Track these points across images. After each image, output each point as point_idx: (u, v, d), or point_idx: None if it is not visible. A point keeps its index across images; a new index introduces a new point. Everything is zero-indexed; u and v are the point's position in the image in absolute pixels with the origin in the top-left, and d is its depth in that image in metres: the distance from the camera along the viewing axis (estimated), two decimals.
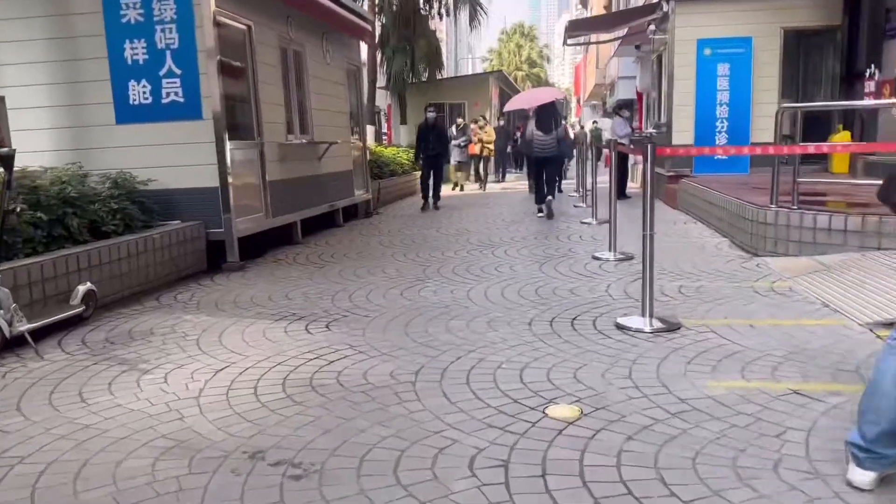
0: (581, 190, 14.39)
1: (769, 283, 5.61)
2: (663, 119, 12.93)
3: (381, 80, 22.60)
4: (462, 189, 16.91)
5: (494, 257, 7.50)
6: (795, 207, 6.51)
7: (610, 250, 7.33)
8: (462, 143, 16.41)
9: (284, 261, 7.54)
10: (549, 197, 11.40)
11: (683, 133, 12.27)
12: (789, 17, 11.75)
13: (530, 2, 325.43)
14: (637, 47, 15.81)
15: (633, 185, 15.05)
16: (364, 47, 13.54)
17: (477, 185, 17.56)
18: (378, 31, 22.10)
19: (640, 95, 35.66)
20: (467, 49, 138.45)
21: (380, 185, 13.50)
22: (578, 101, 62.54)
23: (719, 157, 12.14)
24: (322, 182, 9.80)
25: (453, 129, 17.28)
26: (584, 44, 30.69)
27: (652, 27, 12.40)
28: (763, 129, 11.99)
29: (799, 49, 12.85)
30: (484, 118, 17.48)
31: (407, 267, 7.00)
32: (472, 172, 17.75)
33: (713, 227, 8.75)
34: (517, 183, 18.93)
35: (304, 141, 9.23)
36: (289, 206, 8.65)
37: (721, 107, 12.04)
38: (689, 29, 12.04)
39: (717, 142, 12.10)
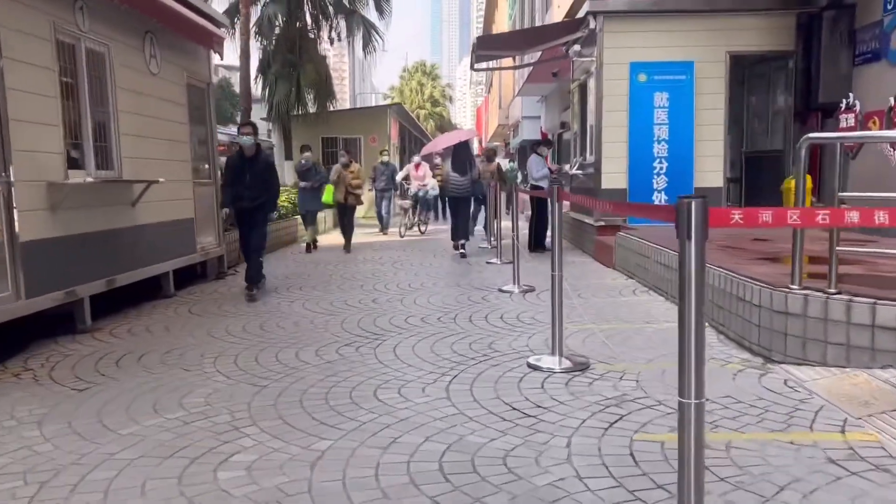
0: (489, 236, 12.10)
1: (840, 436, 3.26)
2: (590, 157, 10.83)
3: (263, 111, 19.79)
4: (314, 247, 11.90)
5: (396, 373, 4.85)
6: (834, 291, 4.25)
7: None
8: (314, 185, 11.69)
9: (23, 375, 4.62)
10: (462, 241, 11.11)
11: (615, 175, 10.16)
12: (735, 39, 9.95)
13: (431, 46, 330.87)
14: (554, 75, 13.82)
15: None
16: (238, 65, 10.68)
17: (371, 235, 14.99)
18: (258, 55, 19.39)
19: (544, 136, 34.53)
20: (370, 87, 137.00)
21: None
22: (480, 143, 61.48)
23: (657, 203, 10.09)
24: (137, 236, 6.91)
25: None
26: (494, 69, 28.93)
27: (576, 48, 10.31)
28: (709, 170, 10.06)
29: (744, 78, 11.11)
30: (346, 153, 12.32)
31: (235, 393, 4.24)
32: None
33: (673, 297, 6.49)
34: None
35: (102, 179, 6.35)
36: (68, 277, 5.72)
37: (659, 144, 10.02)
38: (620, 51, 10.02)
39: (655, 185, 10.05)
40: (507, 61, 24.91)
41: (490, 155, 15.46)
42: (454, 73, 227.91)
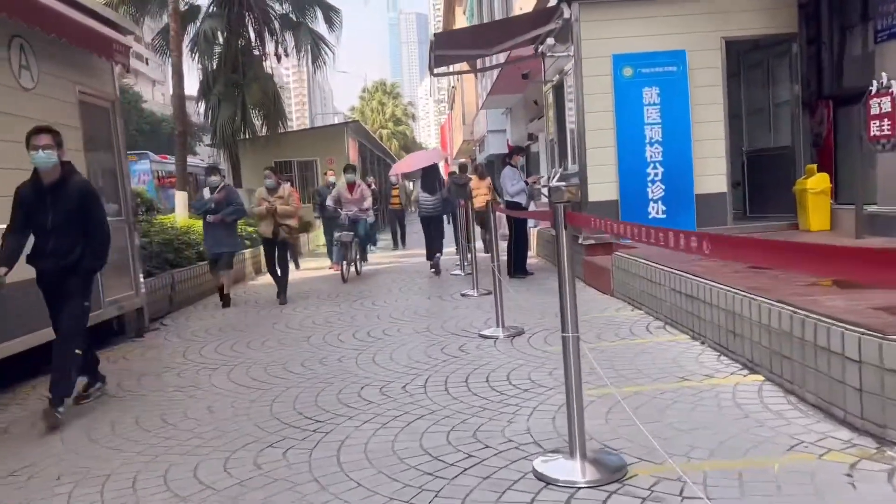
0: (462, 261, 10.69)
1: None
2: (572, 167, 9.44)
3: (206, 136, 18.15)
4: (225, 302, 8.94)
5: None
6: None
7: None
8: (225, 218, 8.61)
9: None
10: (438, 255, 11.30)
11: (603, 186, 8.78)
12: (731, 23, 8.67)
13: (392, 67, 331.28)
14: (524, 76, 12.46)
15: (532, 258, 11.47)
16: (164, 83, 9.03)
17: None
18: (199, 76, 17.79)
19: (511, 149, 33.32)
20: (332, 110, 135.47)
21: (174, 280, 9.03)
22: (446, 161, 60.22)
23: (654, 216, 8.73)
24: (5, 299, 5.27)
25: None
26: (456, 73, 27.64)
27: (549, 41, 8.94)
28: (711, 174, 8.72)
29: (739, 68, 9.84)
30: (273, 173, 9.31)
31: None
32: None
33: (704, 338, 5.05)
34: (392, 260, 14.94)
35: None
36: None
37: (652, 147, 8.67)
38: (600, 42, 8.68)
39: (651, 194, 8.68)
40: (471, 65, 23.69)
41: (481, 171, 13.42)
42: (416, 92, 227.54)
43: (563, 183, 9.59)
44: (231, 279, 9.30)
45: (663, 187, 8.65)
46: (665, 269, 5.87)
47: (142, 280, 7.60)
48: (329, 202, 10.75)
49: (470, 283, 9.07)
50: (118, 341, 7.15)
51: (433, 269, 11.06)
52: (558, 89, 10.24)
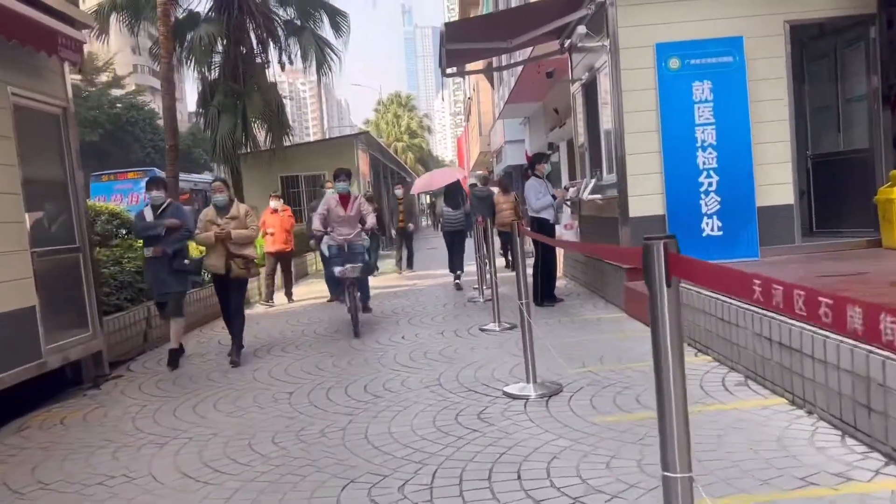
0: (480, 286, 9.41)
1: None
2: (608, 176, 8.11)
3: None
4: (174, 360, 6.76)
5: None
6: None
7: None
8: (167, 250, 6.62)
9: None
10: (458, 272, 11.23)
11: (647, 198, 7.44)
12: (796, 4, 7.33)
13: (408, 81, 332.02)
14: (549, 75, 11.18)
15: (558, 279, 10.12)
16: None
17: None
18: (198, 87, 16.70)
19: (529, 159, 32.04)
20: (349, 124, 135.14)
21: (149, 313, 7.81)
22: (465, 176, 59.03)
23: (708, 233, 7.37)
24: None
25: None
26: (470, 73, 26.46)
27: (580, 29, 7.64)
28: (775, 182, 7.36)
29: (801, 59, 8.47)
30: (223, 186, 6.91)
31: None
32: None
33: (813, 406, 3.68)
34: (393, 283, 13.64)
35: None
36: None
37: (705, 151, 7.32)
38: (641, 30, 7.38)
39: (704, 207, 7.33)
40: (487, 64, 22.48)
41: (506, 184, 13.03)
42: (433, 105, 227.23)
43: (598, 196, 8.25)
44: (181, 329, 6.82)
45: (719, 199, 7.29)
46: (747, 308, 4.52)
47: (98, 318, 6.36)
48: (315, 223, 7.87)
49: (490, 312, 7.75)
50: (68, 394, 5.93)
51: (455, 286, 11.05)
52: (589, 88, 8.93)
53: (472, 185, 15.14)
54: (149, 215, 6.65)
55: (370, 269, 9.13)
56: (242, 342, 6.76)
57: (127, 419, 4.93)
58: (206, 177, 32.87)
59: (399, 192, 14.51)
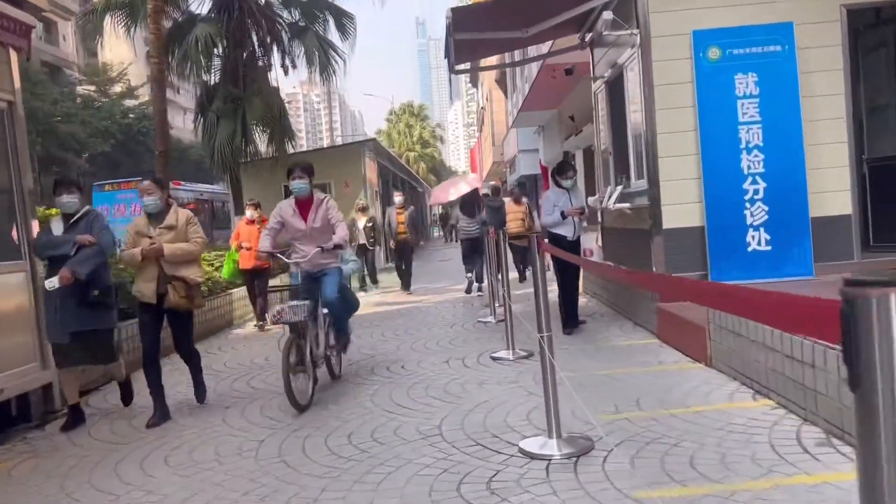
0: (492, 304, 8.51)
1: None
2: (637, 182, 7.18)
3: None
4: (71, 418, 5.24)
5: None
6: None
7: None
8: (76, 276, 4.81)
9: None
10: (470, 275, 11.40)
11: (682, 208, 6.51)
12: None
13: (422, 92, 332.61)
14: (568, 72, 10.28)
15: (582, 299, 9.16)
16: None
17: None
18: (196, 92, 15.94)
19: (544, 170, 31.09)
20: (362, 132, 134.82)
21: (119, 336, 6.91)
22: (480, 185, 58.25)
23: (754, 247, 6.40)
24: None
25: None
26: (482, 69, 25.60)
27: (607, 16, 6.72)
28: (830, 190, 6.40)
29: (855, 50, 7.50)
30: (154, 186, 5.22)
31: None
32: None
33: None
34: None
35: None
36: None
37: (750, 154, 6.38)
38: (676, 16, 6.47)
39: (750, 218, 6.37)
40: (499, 59, 21.63)
41: (517, 195, 12.90)
42: (446, 116, 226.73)
43: (627, 204, 7.30)
44: (77, 383, 5.23)
45: (766, 209, 6.34)
46: (832, 347, 3.56)
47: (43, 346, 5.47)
48: (263, 241, 5.66)
49: (502, 336, 6.83)
50: (10, 435, 5.04)
51: (479, 291, 11.21)
52: (613, 86, 8.01)
53: (485, 196, 14.66)
54: (56, 228, 5.02)
55: (350, 306, 5.94)
56: (203, 383, 5.57)
57: (56, 478, 4.02)
58: (216, 187, 32.15)
59: (399, 199, 12.60)
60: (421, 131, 59.60)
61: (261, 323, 9.22)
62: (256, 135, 15.67)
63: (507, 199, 16.05)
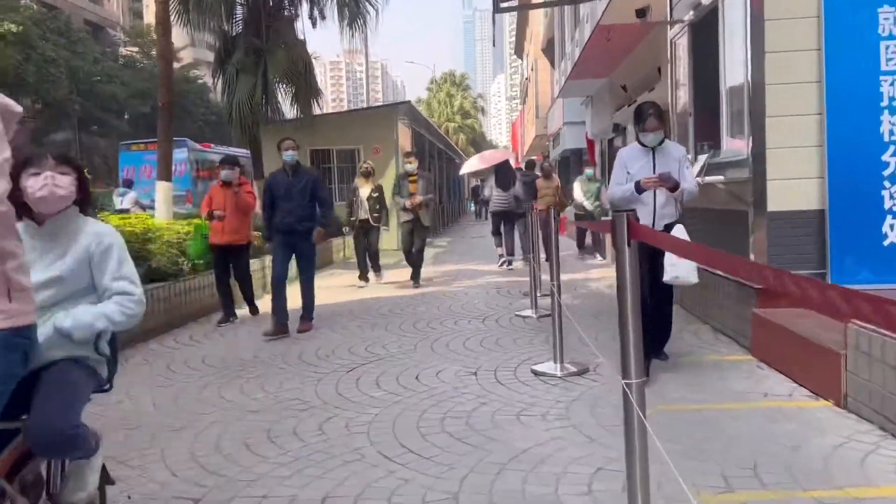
0: (532, 288, 7.03)
1: None
2: (728, 151, 5.58)
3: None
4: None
5: None
6: None
7: None
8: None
9: None
10: (501, 249, 11.37)
11: (796, 183, 4.92)
12: None
13: (466, 65, 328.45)
14: (640, 15, 8.60)
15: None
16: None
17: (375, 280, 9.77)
18: (215, 43, 14.60)
19: (590, 144, 29.19)
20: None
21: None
22: (517, 159, 56.39)
23: (892, 240, 4.78)
24: None
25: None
26: (530, 7, 23.89)
27: None
28: None
29: None
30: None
31: None
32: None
33: None
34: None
35: None
36: None
37: (894, 115, 4.74)
38: None
39: (889, 201, 4.76)
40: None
41: (548, 170, 13.07)
42: (489, 89, 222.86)
43: (720, 177, 5.69)
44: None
45: None
46: None
47: None
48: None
49: (545, 339, 5.39)
50: None
51: (505, 262, 11.18)
52: (699, 28, 6.36)
53: (518, 170, 13.94)
54: None
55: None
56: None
57: None
58: (243, 151, 31.00)
59: (411, 166, 9.33)
60: (462, 101, 57.70)
61: (231, 319, 7.11)
62: (279, 92, 14.26)
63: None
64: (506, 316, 7.00)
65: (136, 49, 40.67)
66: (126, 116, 34.86)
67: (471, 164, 16.60)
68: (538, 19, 43.04)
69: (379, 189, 9.68)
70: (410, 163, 9.38)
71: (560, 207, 13.05)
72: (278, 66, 13.64)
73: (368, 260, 9.78)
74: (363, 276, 9.76)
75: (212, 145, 30.19)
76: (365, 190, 9.56)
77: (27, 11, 25.03)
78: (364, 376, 4.87)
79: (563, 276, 9.80)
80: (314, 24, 14.95)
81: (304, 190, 6.44)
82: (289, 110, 15.11)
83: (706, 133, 6.36)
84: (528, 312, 6.94)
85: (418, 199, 9.03)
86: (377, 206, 9.51)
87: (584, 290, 8.65)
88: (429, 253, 14.64)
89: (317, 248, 7.00)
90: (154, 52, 40.05)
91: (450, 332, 6.31)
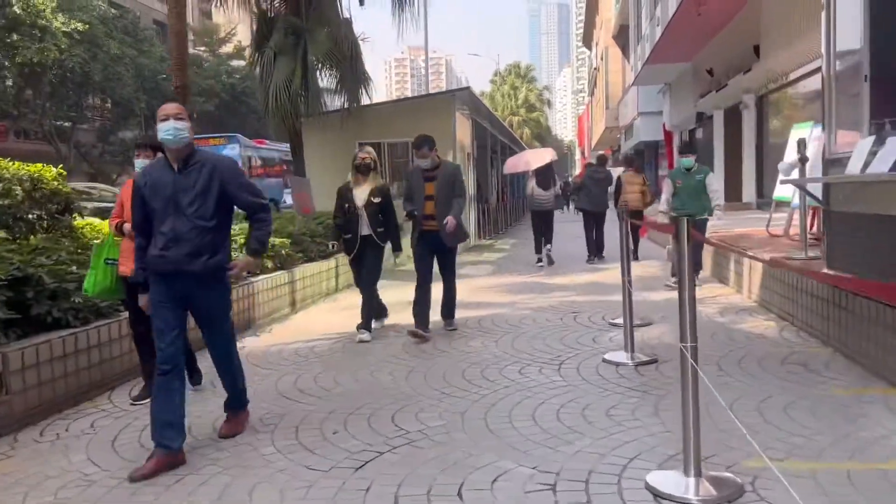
0: (625, 302, 5.07)
1: None
2: None
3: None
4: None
5: None
6: None
7: None
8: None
9: None
10: (548, 245, 11.40)
11: None
12: None
13: (531, 57, 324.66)
14: None
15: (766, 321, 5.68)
16: None
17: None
18: (252, 24, 13.18)
19: (668, 136, 26.65)
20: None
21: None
22: (583, 153, 54.02)
23: None
24: None
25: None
26: None
27: None
28: None
29: None
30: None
31: None
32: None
33: None
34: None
35: None
36: None
37: None
38: None
39: None
40: None
41: (631, 161, 12.85)
42: (554, 83, 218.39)
43: None
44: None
45: None
46: None
47: None
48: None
49: (655, 407, 3.55)
50: None
51: (540, 263, 11.24)
52: None
53: (589, 165, 13.69)
54: None
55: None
56: None
57: None
58: (283, 146, 29.76)
59: (426, 162, 6.12)
60: (527, 94, 55.48)
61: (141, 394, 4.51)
62: (322, 77, 12.69)
63: (620, 169, 13.24)
64: (590, 360, 5.12)
65: (203, 48, 40.49)
66: (193, 115, 34.57)
67: (512, 164, 15.70)
68: (609, 5, 40.66)
69: (384, 191, 6.30)
70: (424, 157, 6.08)
71: (648, 207, 11.62)
72: (320, 48, 12.09)
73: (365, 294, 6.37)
74: (365, 325, 6.19)
75: (266, 142, 29.17)
76: (361, 193, 6.20)
77: (95, 11, 24.63)
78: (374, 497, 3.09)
79: (654, 296, 7.87)
80: (361, 2, 13.34)
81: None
82: (334, 98, 13.58)
83: (887, 108, 4.33)
84: (622, 357, 5.05)
85: (452, 222, 5.97)
86: (379, 216, 6.21)
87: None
88: (487, 260, 12.83)
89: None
90: (220, 51, 39.80)
91: (513, 389, 4.48)
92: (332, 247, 7.08)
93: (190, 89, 9.09)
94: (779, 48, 13.69)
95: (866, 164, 4.12)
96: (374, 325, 6.38)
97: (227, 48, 40.27)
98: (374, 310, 6.42)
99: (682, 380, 2.96)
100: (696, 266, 7.74)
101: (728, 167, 18.82)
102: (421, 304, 6.13)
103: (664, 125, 26.80)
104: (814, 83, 12.88)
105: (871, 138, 4.31)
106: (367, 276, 6.30)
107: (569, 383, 4.55)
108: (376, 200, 6.15)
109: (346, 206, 6.25)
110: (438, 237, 6.15)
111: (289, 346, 5.97)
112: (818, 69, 12.45)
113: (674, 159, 27.38)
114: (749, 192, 16.85)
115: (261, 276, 7.09)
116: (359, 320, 6.23)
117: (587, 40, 52.82)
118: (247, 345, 5.99)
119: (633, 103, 32.03)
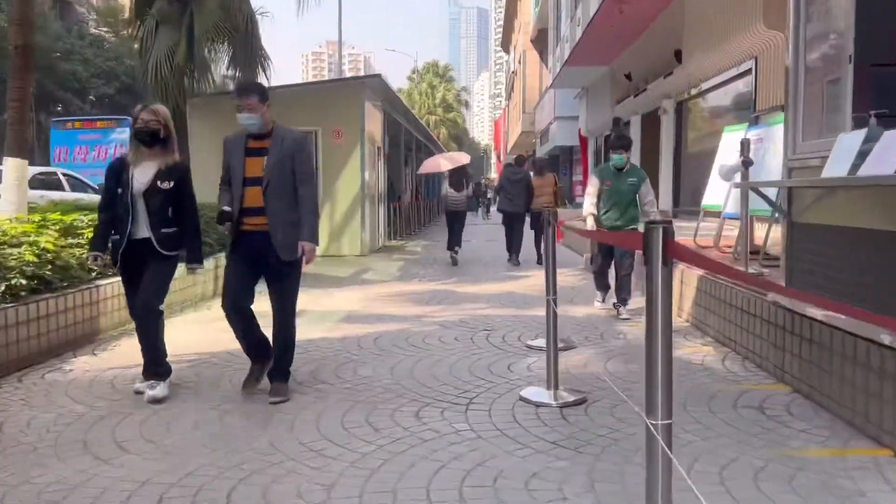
0: (547, 313, 4.07)
1: None
2: None
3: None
4: None
5: None
6: None
7: None
8: None
9: None
10: (457, 247, 11.55)
11: None
12: None
13: (450, 55, 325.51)
14: None
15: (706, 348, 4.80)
16: None
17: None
18: None
19: (583, 141, 26.35)
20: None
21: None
22: (499, 158, 53.74)
23: None
24: None
25: None
26: None
27: None
28: None
29: None
30: None
31: None
32: None
33: None
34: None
35: None
36: None
37: None
38: None
39: None
40: None
41: (543, 165, 12.65)
42: (472, 87, 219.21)
43: None
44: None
45: None
46: None
47: None
48: None
49: (589, 470, 2.50)
50: None
51: (452, 260, 11.30)
52: None
53: (508, 166, 13.35)
54: None
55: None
56: None
57: None
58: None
59: (252, 119, 4.03)
60: (445, 93, 54.68)
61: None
62: (209, 51, 11.25)
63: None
64: (505, 397, 4.09)
65: (105, 29, 37.58)
66: (91, 98, 31.88)
67: (432, 165, 15.57)
68: (528, 8, 40.35)
69: (179, 172, 4.24)
70: (252, 110, 4.00)
71: (556, 205, 11.35)
72: (208, 18, 10.65)
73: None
74: (149, 370, 4.23)
75: None
76: (144, 172, 4.15)
77: None
78: None
79: (577, 311, 6.99)
80: None
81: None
82: (225, 76, 12.14)
83: (881, 94, 3.50)
84: (543, 395, 4.04)
85: (309, 248, 4.11)
86: (169, 212, 4.25)
87: (620, 339, 5.76)
88: (395, 264, 11.73)
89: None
90: (124, 33, 37.00)
91: (405, 443, 3.38)
92: (95, 260, 4.23)
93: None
94: (701, 52, 13.25)
95: (855, 166, 3.26)
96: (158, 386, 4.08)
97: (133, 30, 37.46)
98: (163, 354, 4.17)
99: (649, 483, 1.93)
100: (625, 296, 6.75)
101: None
102: (245, 339, 4.18)
103: (580, 130, 26.48)
104: (736, 88, 12.49)
105: (856, 133, 3.46)
106: (142, 300, 4.08)
107: (477, 434, 3.49)
108: (165, 186, 4.07)
109: (120, 191, 4.09)
110: (267, 243, 3.99)
111: (105, 375, 4.63)
112: (743, 74, 12.16)
113: (588, 165, 27.22)
114: (665, 200, 16.45)
115: (108, 280, 5.72)
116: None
117: (505, 44, 52.59)
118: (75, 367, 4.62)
119: (550, 107, 31.68)
